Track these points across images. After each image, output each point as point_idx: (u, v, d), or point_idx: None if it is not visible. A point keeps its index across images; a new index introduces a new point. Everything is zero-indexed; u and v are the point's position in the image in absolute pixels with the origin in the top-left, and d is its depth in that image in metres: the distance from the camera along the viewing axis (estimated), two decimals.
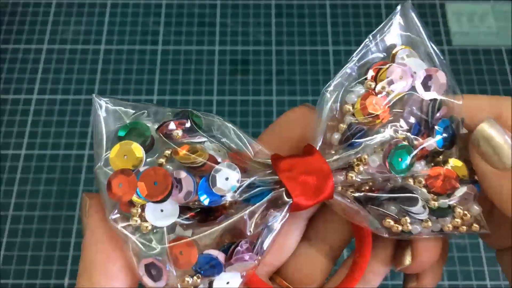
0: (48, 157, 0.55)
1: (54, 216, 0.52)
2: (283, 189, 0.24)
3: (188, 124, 0.24)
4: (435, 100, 0.26)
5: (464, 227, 0.26)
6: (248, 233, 0.24)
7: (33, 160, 0.54)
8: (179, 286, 0.23)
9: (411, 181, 0.26)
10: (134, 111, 0.24)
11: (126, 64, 0.59)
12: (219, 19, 0.63)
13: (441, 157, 0.26)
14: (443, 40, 0.61)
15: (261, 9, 0.63)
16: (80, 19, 0.62)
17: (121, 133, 0.23)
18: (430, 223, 0.26)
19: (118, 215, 0.23)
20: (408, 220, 0.26)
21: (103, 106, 0.24)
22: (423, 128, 0.25)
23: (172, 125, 0.24)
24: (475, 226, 0.26)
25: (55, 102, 0.57)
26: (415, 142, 0.25)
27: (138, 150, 0.23)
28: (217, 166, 0.23)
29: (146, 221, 0.23)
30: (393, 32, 0.27)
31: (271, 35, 0.62)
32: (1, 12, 0.62)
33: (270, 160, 0.25)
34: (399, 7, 0.27)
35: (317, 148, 0.25)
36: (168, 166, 0.23)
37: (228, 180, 0.23)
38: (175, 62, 0.60)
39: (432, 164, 0.26)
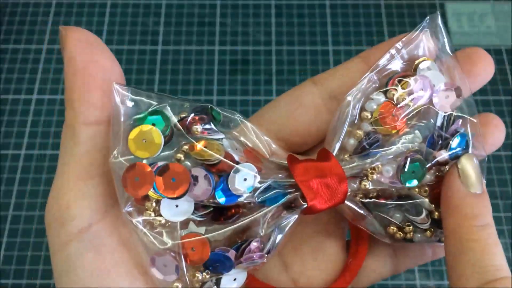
0: (48, 157, 0.55)
1: None
2: (298, 193, 0.24)
3: (207, 120, 0.24)
4: (451, 114, 0.26)
5: None
6: (261, 233, 0.24)
7: (33, 160, 0.54)
8: (188, 281, 0.23)
9: (417, 190, 0.26)
10: (154, 102, 0.24)
11: (126, 64, 0.59)
12: (219, 19, 0.63)
13: (447, 167, 0.26)
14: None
15: (261, 9, 0.63)
16: (80, 19, 0.62)
17: (140, 123, 0.23)
18: (431, 233, 0.26)
19: (132, 208, 0.23)
20: (412, 229, 0.26)
21: (122, 95, 0.23)
22: (437, 141, 0.26)
23: (192, 120, 0.24)
24: None
25: (55, 102, 0.57)
26: (430, 156, 0.25)
27: (157, 136, 0.23)
28: (236, 166, 0.23)
29: (160, 215, 0.23)
30: (419, 43, 0.27)
31: (271, 35, 0.62)
32: (1, 12, 0.62)
33: (285, 162, 0.25)
34: (427, 18, 0.27)
35: (334, 154, 0.25)
36: (186, 162, 0.23)
37: (246, 180, 0.23)
38: (175, 62, 0.60)
39: (437, 173, 0.26)
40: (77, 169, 0.23)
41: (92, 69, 0.23)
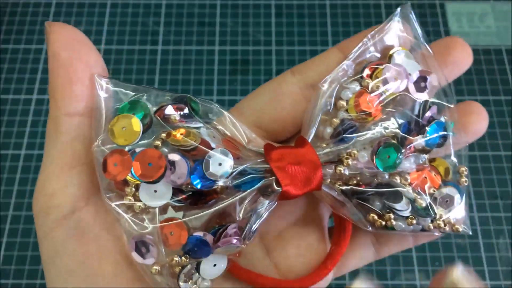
0: None
1: None
2: (273, 178, 0.25)
3: (186, 110, 0.25)
4: (426, 101, 0.26)
5: (446, 228, 0.26)
6: (238, 218, 0.25)
7: (33, 160, 0.54)
8: (167, 265, 0.24)
9: (398, 178, 0.26)
10: (134, 93, 0.25)
11: (126, 64, 0.59)
12: (219, 19, 0.63)
13: (427, 155, 0.26)
14: None
15: (261, 9, 0.63)
16: (80, 19, 0.62)
17: (121, 112, 0.24)
18: (414, 221, 0.26)
19: (112, 193, 0.24)
20: (392, 216, 0.26)
21: (103, 86, 0.24)
22: (413, 127, 0.26)
23: (170, 109, 0.24)
24: (456, 227, 0.27)
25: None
26: (405, 141, 0.26)
27: (136, 124, 0.24)
28: (210, 152, 0.24)
29: (139, 200, 0.24)
30: (392, 33, 0.27)
31: (271, 35, 0.62)
32: (1, 12, 0.62)
33: (262, 149, 0.26)
34: (399, 9, 0.27)
35: (309, 141, 0.26)
36: (163, 149, 0.24)
37: (221, 165, 0.24)
38: (175, 62, 0.60)
39: (419, 161, 0.26)
40: (61, 159, 0.24)
41: (76, 64, 0.24)
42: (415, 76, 0.26)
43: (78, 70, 0.24)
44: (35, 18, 0.62)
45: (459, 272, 0.24)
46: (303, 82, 0.29)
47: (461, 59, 0.28)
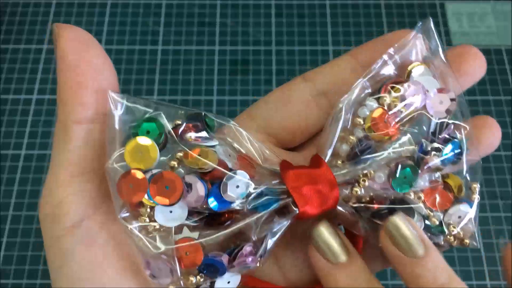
0: (48, 157, 0.55)
1: None
2: (290, 199, 0.25)
3: (201, 127, 0.24)
4: (443, 119, 0.26)
5: (455, 242, 0.26)
6: (253, 238, 0.24)
7: (33, 160, 0.54)
8: (182, 285, 0.24)
9: (412, 194, 0.26)
10: (149, 110, 0.24)
11: (126, 64, 0.59)
12: (219, 19, 0.63)
13: (439, 173, 0.26)
14: (443, 40, 0.61)
15: (261, 9, 0.63)
16: (80, 19, 0.62)
17: (135, 130, 0.23)
18: None
19: (128, 213, 0.23)
20: None
21: (118, 103, 0.24)
22: (430, 147, 0.26)
23: (185, 127, 0.24)
24: (466, 242, 0.26)
25: (55, 102, 0.57)
26: (421, 161, 0.25)
27: (154, 150, 0.23)
28: (229, 173, 0.24)
29: (154, 220, 0.23)
30: (411, 48, 0.27)
31: (271, 35, 0.62)
32: (1, 12, 0.62)
33: (278, 168, 0.25)
34: (419, 23, 0.27)
35: (326, 160, 0.25)
36: (180, 169, 0.24)
37: (238, 187, 0.24)
38: (175, 62, 0.60)
39: (432, 178, 0.26)
40: (69, 166, 0.24)
41: (84, 68, 0.24)
42: (432, 93, 0.26)
43: (86, 75, 0.24)
44: (35, 18, 0.62)
45: (396, 221, 0.24)
46: (315, 89, 0.28)
47: (475, 69, 0.28)
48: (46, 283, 0.49)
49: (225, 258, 0.24)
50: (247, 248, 0.24)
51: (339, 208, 0.26)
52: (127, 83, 0.58)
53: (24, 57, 0.60)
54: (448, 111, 0.26)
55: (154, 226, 0.23)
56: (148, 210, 0.23)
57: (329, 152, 0.26)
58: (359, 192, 0.25)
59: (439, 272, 0.23)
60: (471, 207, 0.26)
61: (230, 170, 0.24)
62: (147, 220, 0.23)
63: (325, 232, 0.25)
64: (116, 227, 0.24)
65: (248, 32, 0.62)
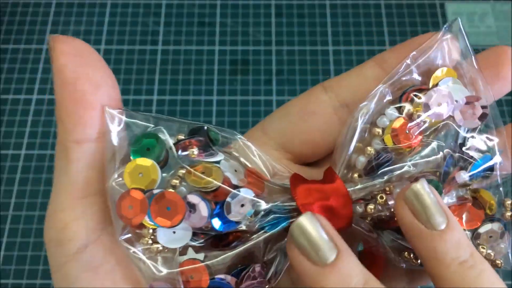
0: (48, 157, 0.55)
1: None
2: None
3: (204, 142, 0.23)
4: (472, 130, 0.24)
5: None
6: (263, 259, 0.23)
7: (33, 160, 0.54)
8: None
9: None
10: (149, 125, 0.23)
11: (126, 64, 0.59)
12: (219, 19, 0.63)
13: (470, 188, 0.24)
14: None
15: (261, 9, 0.63)
16: (80, 19, 0.62)
17: (135, 147, 0.22)
18: None
19: (129, 235, 0.22)
20: None
21: (115, 118, 0.22)
22: (457, 160, 0.23)
23: (187, 142, 0.23)
24: (498, 263, 0.24)
25: (55, 102, 0.57)
26: (447, 177, 0.23)
27: (154, 171, 0.22)
28: (233, 191, 0.22)
29: (157, 242, 0.22)
30: (437, 51, 0.24)
31: (271, 35, 0.62)
32: (1, 12, 0.62)
33: (288, 183, 0.24)
34: (446, 25, 0.24)
35: (340, 174, 0.23)
36: (182, 188, 0.22)
37: (243, 206, 0.22)
38: (175, 62, 0.60)
39: (460, 194, 0.24)
40: (72, 188, 0.23)
41: (82, 84, 0.22)
42: (461, 102, 0.23)
43: (85, 91, 0.22)
44: (35, 18, 0.62)
45: (417, 187, 0.21)
46: (337, 100, 0.26)
47: None
48: (46, 283, 0.49)
49: (232, 280, 0.23)
50: (256, 268, 0.23)
51: (355, 226, 0.23)
52: (127, 83, 0.58)
53: (24, 57, 0.60)
54: (479, 121, 0.23)
55: (157, 247, 0.22)
56: (151, 231, 0.22)
57: (343, 166, 0.23)
58: (373, 210, 0.23)
59: (462, 249, 0.21)
60: (504, 225, 0.24)
61: (235, 187, 0.22)
62: (150, 241, 0.22)
63: (308, 225, 0.20)
64: (122, 252, 0.23)
65: (248, 32, 0.62)
